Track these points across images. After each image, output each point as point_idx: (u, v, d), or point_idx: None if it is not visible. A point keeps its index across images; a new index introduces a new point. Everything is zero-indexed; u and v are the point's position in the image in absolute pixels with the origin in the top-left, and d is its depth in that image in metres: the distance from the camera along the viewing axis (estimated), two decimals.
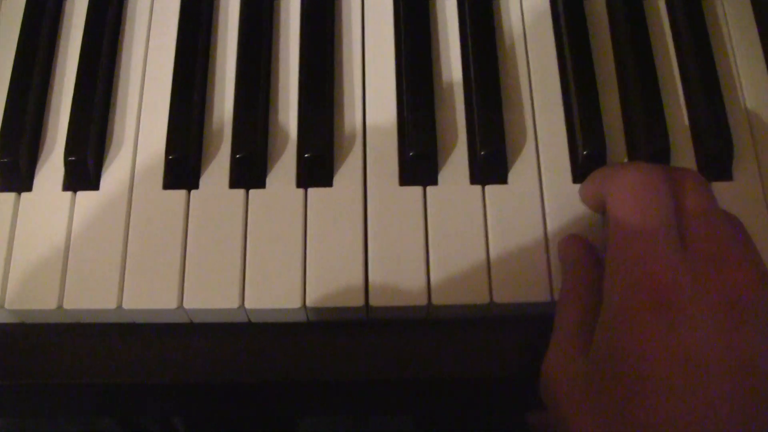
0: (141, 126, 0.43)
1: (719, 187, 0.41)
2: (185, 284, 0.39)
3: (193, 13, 0.45)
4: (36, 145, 0.43)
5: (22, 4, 0.46)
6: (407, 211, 0.40)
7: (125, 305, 0.39)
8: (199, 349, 0.40)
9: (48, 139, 0.43)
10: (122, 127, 0.43)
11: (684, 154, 0.42)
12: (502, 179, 0.41)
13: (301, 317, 0.40)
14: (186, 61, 0.43)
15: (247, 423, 0.52)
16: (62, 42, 0.46)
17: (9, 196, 0.41)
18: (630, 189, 0.35)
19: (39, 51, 0.44)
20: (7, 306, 0.39)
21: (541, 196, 0.41)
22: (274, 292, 0.39)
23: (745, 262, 0.33)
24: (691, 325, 0.31)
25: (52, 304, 0.39)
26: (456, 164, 0.41)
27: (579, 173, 0.41)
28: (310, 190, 0.41)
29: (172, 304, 0.39)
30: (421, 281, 0.39)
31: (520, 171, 0.41)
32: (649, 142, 0.41)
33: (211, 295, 0.39)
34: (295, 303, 0.38)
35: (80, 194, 0.41)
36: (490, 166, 0.41)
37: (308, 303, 0.38)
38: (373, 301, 0.38)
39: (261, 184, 0.41)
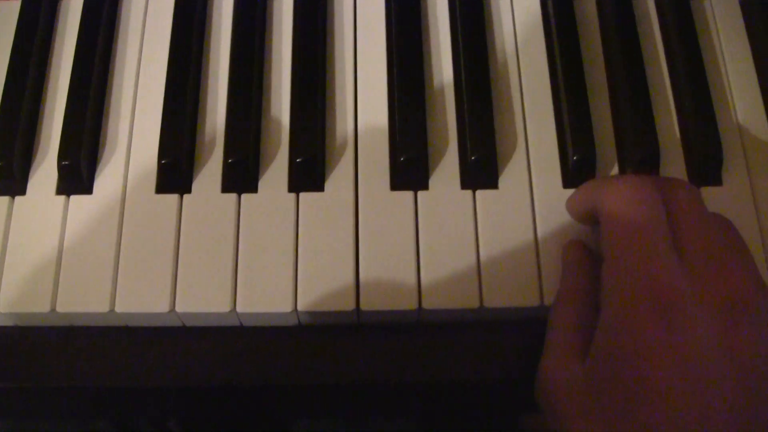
0: (134, 131, 0.43)
1: (709, 192, 0.41)
2: (177, 288, 0.39)
3: (186, 18, 0.45)
4: (30, 149, 0.43)
5: (16, 7, 0.46)
6: (398, 215, 0.40)
7: (118, 309, 0.39)
8: (193, 352, 0.40)
9: (42, 143, 0.43)
10: (115, 132, 0.43)
11: (674, 159, 0.42)
12: (493, 184, 0.41)
13: (293, 321, 0.40)
14: (179, 65, 0.44)
15: (242, 425, 0.52)
16: (56, 46, 0.46)
17: (3, 200, 0.41)
18: (623, 202, 0.35)
19: (33, 55, 0.45)
20: (0, 309, 0.39)
21: (531, 201, 0.41)
22: (266, 296, 0.39)
23: (739, 265, 0.33)
24: (690, 327, 0.31)
25: (45, 308, 0.39)
26: (447, 169, 0.42)
27: (569, 178, 0.41)
28: (302, 195, 0.41)
29: (164, 308, 0.39)
30: (412, 286, 0.39)
31: (511, 176, 0.41)
32: (638, 148, 0.41)
33: (202, 298, 0.39)
34: (286, 307, 0.39)
35: (73, 198, 0.41)
36: (480, 171, 0.41)
37: (299, 307, 0.39)
38: (364, 305, 0.39)
39: (253, 188, 0.41)
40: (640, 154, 0.41)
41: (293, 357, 0.40)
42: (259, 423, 0.48)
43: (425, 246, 0.40)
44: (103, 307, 0.39)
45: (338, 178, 0.41)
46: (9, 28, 0.46)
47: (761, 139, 0.43)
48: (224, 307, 0.39)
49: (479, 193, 0.41)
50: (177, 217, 0.41)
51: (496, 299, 0.39)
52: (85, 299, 0.39)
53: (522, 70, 0.44)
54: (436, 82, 0.44)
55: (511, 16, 0.46)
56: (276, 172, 0.42)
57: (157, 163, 0.41)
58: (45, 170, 0.42)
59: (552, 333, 0.37)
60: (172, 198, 0.41)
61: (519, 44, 0.45)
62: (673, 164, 0.42)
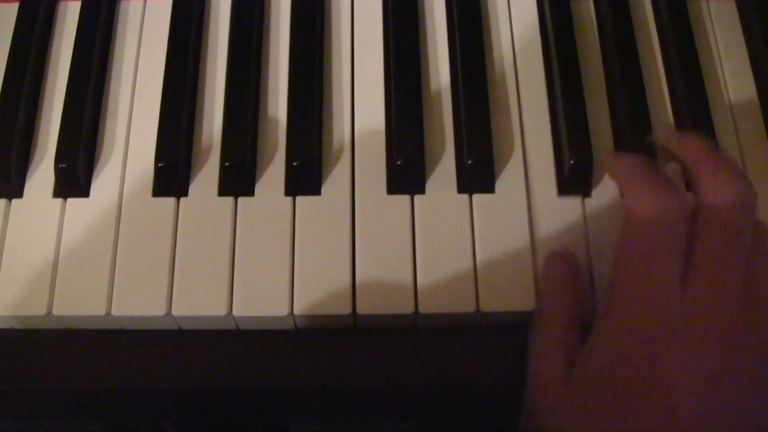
0: (131, 134, 0.43)
1: None
2: (174, 291, 0.39)
3: (183, 20, 0.45)
4: (27, 151, 0.43)
5: (14, 10, 0.46)
6: (395, 219, 0.40)
7: (114, 312, 0.39)
8: (190, 355, 0.40)
9: (39, 146, 0.43)
10: (112, 135, 0.43)
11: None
12: (490, 188, 0.41)
13: (289, 325, 0.40)
14: (176, 69, 0.44)
15: (239, 428, 0.52)
16: (54, 48, 0.46)
17: (0, 202, 0.41)
18: (646, 219, 0.35)
19: (31, 57, 0.45)
20: None
21: (528, 205, 0.41)
22: (262, 300, 0.39)
23: (739, 315, 0.33)
24: (678, 369, 0.32)
25: (41, 310, 0.39)
26: (444, 173, 0.42)
27: (566, 182, 0.41)
28: (299, 199, 0.41)
29: (161, 311, 0.39)
30: (408, 290, 0.39)
31: (508, 180, 0.41)
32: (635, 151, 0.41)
33: (199, 302, 0.39)
34: (282, 311, 0.39)
35: (70, 201, 0.41)
36: (477, 174, 0.41)
37: (296, 310, 0.39)
38: (361, 309, 0.39)
39: (250, 192, 0.41)
40: None
41: (290, 360, 0.40)
42: (255, 426, 0.48)
43: (422, 250, 0.40)
44: (99, 310, 0.39)
45: (335, 182, 0.41)
46: (7, 29, 0.46)
47: (756, 140, 0.43)
48: (221, 311, 0.39)
49: (476, 197, 0.41)
50: (174, 220, 0.41)
51: (492, 303, 0.39)
52: (81, 302, 0.39)
53: (519, 74, 0.44)
54: (433, 85, 0.44)
55: (508, 19, 0.46)
56: (273, 176, 0.42)
57: (154, 166, 0.41)
58: (42, 173, 0.42)
59: (534, 358, 0.37)
60: (169, 201, 0.41)
61: (516, 47, 0.45)
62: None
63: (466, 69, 0.43)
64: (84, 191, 0.42)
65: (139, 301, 0.39)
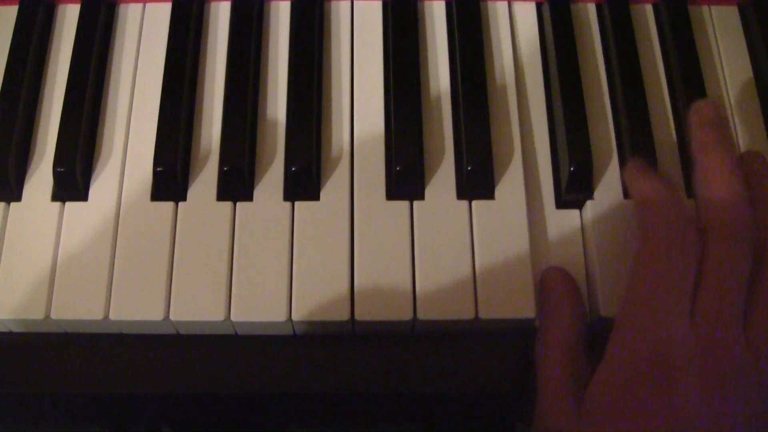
0: (130, 138, 0.43)
1: None
2: (172, 296, 0.39)
3: (182, 25, 0.45)
4: (25, 155, 0.43)
5: (13, 12, 0.46)
6: (394, 225, 0.40)
7: (112, 316, 0.39)
8: (188, 359, 0.40)
9: (37, 150, 0.43)
10: (111, 139, 0.43)
11: (671, 168, 0.42)
12: (489, 194, 0.41)
13: (287, 330, 0.40)
14: (175, 73, 0.44)
15: None
16: (53, 52, 0.46)
17: None
18: (659, 240, 0.35)
19: (29, 60, 0.44)
20: None
21: (528, 212, 0.41)
22: (260, 305, 0.39)
23: (737, 346, 0.33)
24: (682, 400, 0.32)
25: (39, 314, 0.39)
26: (443, 179, 0.41)
27: (565, 190, 0.41)
28: (297, 204, 0.41)
29: (159, 316, 0.39)
30: (407, 296, 0.39)
31: (508, 186, 0.41)
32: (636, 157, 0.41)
33: (197, 307, 0.39)
34: (280, 316, 0.39)
35: (69, 205, 0.41)
36: (476, 181, 0.41)
37: (294, 316, 0.39)
38: (359, 315, 0.39)
39: (248, 196, 0.41)
40: None
41: (287, 366, 0.40)
42: (253, 430, 0.48)
43: (421, 256, 0.39)
44: (97, 314, 0.39)
45: (334, 187, 0.41)
46: (6, 31, 0.46)
47: (757, 141, 0.43)
48: (219, 316, 0.39)
49: (475, 203, 0.41)
50: (172, 225, 0.41)
51: (491, 311, 0.39)
52: (79, 306, 0.39)
53: (519, 80, 0.44)
54: (432, 91, 0.44)
55: (508, 26, 0.46)
56: (271, 181, 0.42)
57: (153, 170, 0.41)
58: (40, 177, 0.42)
59: (543, 381, 0.37)
60: (168, 205, 0.41)
61: (516, 54, 0.45)
62: (670, 173, 0.42)
63: (466, 74, 0.43)
64: (82, 195, 0.42)
65: (137, 306, 0.39)
